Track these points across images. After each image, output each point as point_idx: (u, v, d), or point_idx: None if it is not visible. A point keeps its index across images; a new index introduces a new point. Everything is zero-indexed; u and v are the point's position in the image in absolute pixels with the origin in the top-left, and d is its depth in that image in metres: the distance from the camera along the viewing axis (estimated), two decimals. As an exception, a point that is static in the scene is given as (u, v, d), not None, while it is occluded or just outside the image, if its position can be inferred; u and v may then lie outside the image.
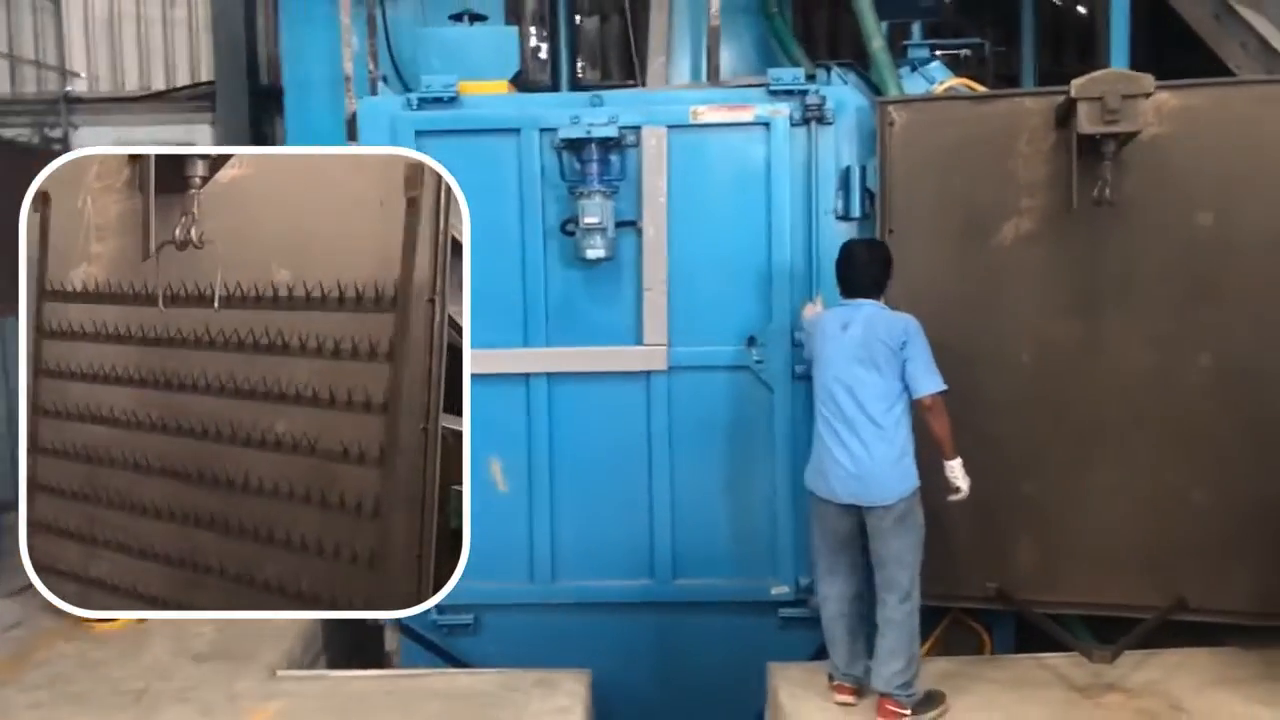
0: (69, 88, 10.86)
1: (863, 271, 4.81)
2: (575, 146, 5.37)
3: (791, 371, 5.64)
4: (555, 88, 8.99)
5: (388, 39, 6.95)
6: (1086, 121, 4.80)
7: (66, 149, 10.62)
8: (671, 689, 5.87)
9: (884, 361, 4.61)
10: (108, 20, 10.95)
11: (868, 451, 4.59)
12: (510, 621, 5.86)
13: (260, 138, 10.59)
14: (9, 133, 10.07)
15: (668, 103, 5.65)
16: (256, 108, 10.54)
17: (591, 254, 5.36)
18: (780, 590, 5.70)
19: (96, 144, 10.72)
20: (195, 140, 10.83)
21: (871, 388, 4.61)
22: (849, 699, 4.89)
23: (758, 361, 5.68)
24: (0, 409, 7.96)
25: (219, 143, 10.54)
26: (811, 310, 5.33)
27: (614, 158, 5.45)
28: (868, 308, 4.75)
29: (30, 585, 6.36)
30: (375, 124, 5.65)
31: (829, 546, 4.86)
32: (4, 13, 10.38)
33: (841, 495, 4.66)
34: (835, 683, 4.94)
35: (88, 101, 10.91)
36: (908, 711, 4.67)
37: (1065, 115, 5.00)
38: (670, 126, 5.54)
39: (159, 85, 10.99)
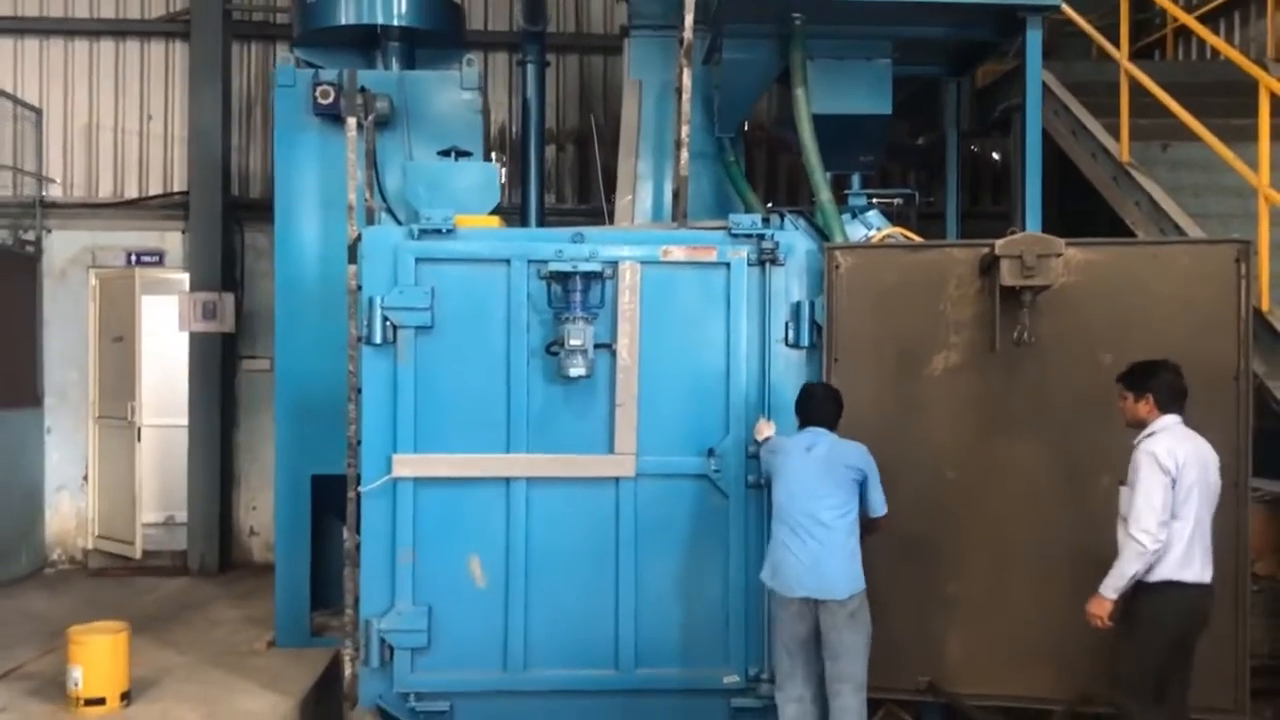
0: (44, 192, 11.30)
1: (820, 407, 5.67)
2: (562, 278, 6.04)
3: (745, 481, 6.27)
4: (522, 212, 9.68)
5: (377, 169, 7.62)
6: (1008, 275, 5.63)
7: (39, 251, 11.08)
8: (635, 771, 6.32)
9: (843, 480, 5.45)
10: (86, 129, 11.49)
11: (825, 550, 5.34)
12: (483, 708, 6.25)
13: (230, 248, 11.13)
14: (-17, 234, 10.48)
15: (641, 242, 6.32)
16: (227, 218, 11.11)
17: (574, 372, 6.00)
18: (732, 679, 6.21)
19: (69, 248, 11.23)
20: (165, 248, 11.35)
21: (830, 499, 5.40)
22: None
23: (715, 471, 6.27)
24: None
25: (190, 253, 11.07)
26: (766, 427, 6.03)
27: (594, 288, 6.12)
28: (828, 435, 5.59)
29: (15, 669, 6.74)
30: (378, 250, 6.20)
31: (788, 650, 5.51)
32: (-14, 121, 10.83)
33: (798, 590, 5.32)
34: None
35: (61, 206, 11.39)
36: None
37: (988, 267, 5.82)
38: (644, 263, 6.22)
39: (132, 193, 11.52)
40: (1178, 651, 5.14)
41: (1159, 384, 5.16)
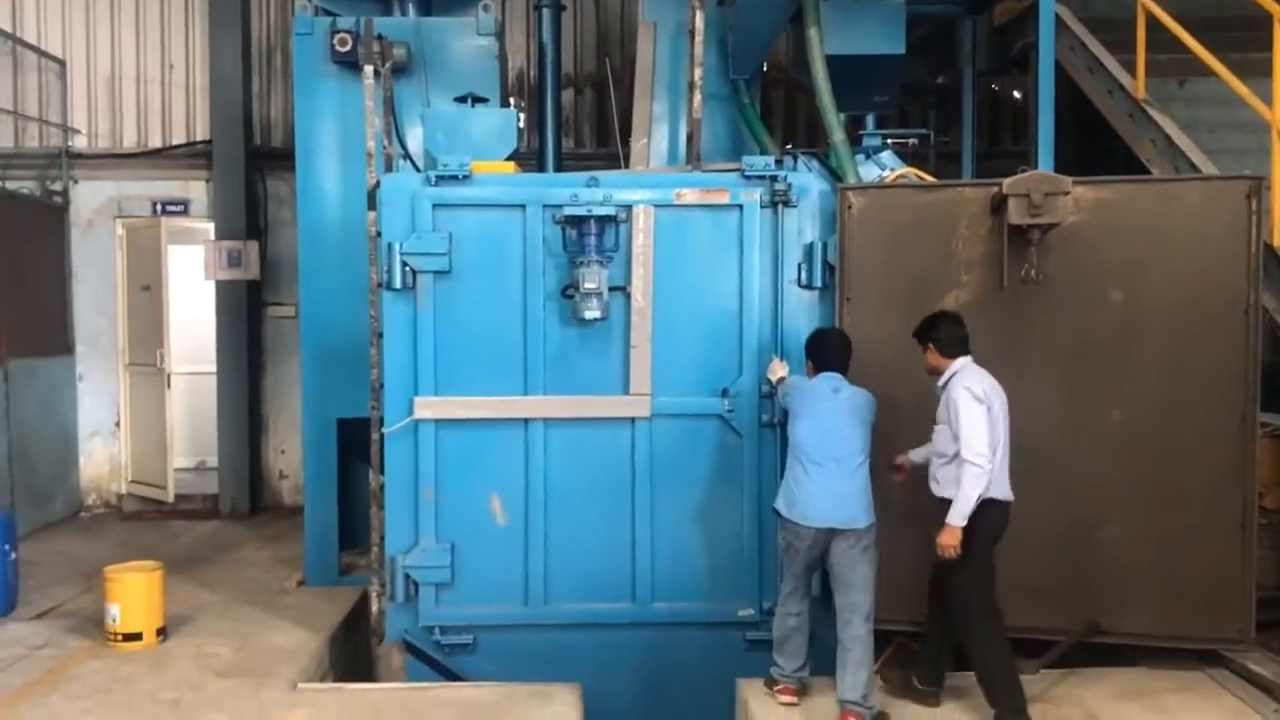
0: (70, 143, 11.44)
1: (838, 353, 5.79)
2: (576, 222, 6.14)
3: (759, 420, 6.40)
4: (539, 157, 9.73)
5: (396, 116, 7.68)
6: (1015, 214, 5.68)
7: (67, 202, 11.24)
8: (651, 700, 6.52)
9: (865, 423, 5.64)
10: (109, 80, 11.59)
11: (850, 485, 5.54)
12: (505, 641, 6.47)
13: (253, 196, 11.26)
14: (12, 185, 10.63)
15: (655, 185, 6.41)
16: (250, 167, 11.23)
17: (589, 315, 6.11)
18: (746, 613, 6.40)
19: (95, 198, 11.39)
20: (190, 197, 11.50)
21: (857, 441, 5.60)
22: (793, 699, 5.72)
23: (729, 410, 6.41)
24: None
25: (214, 201, 11.21)
26: (780, 367, 6.15)
27: (608, 231, 6.21)
28: (845, 381, 5.73)
29: (54, 607, 7.00)
30: (396, 197, 6.30)
31: (795, 572, 5.69)
32: (11, 72, 10.93)
33: (821, 521, 5.51)
34: (780, 685, 5.76)
35: (87, 157, 11.53)
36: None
37: (998, 206, 5.86)
38: (657, 206, 6.29)
39: (155, 143, 11.63)
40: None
41: (940, 334, 5.54)
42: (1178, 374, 5.96)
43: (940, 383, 5.53)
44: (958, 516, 5.24)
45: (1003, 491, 5.38)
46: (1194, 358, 5.93)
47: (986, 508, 5.29)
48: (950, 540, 5.26)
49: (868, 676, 5.48)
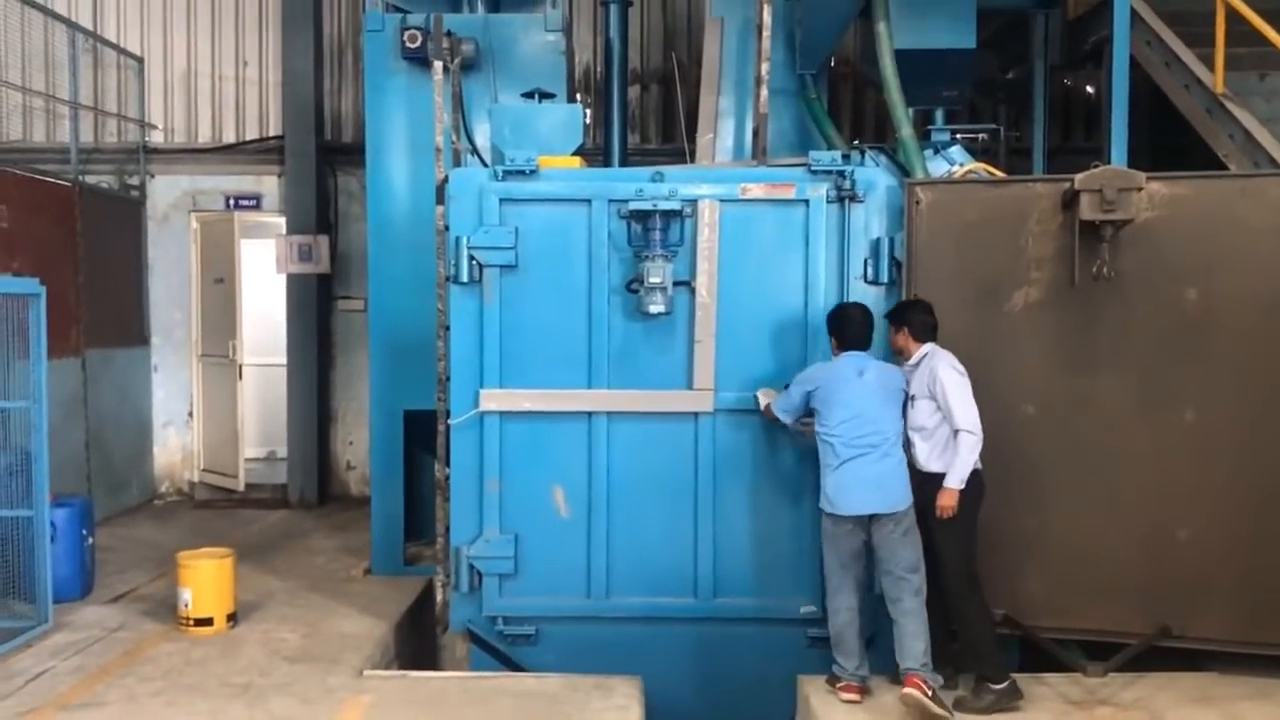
0: (147, 139, 11.71)
1: (861, 330, 5.85)
2: (641, 216, 6.14)
3: (823, 416, 6.35)
4: (605, 152, 9.76)
5: (464, 111, 7.76)
6: (1088, 210, 5.59)
7: (143, 196, 11.50)
8: (711, 695, 6.51)
9: (897, 400, 5.73)
10: (185, 76, 11.84)
11: (887, 467, 5.60)
12: (567, 632, 6.50)
13: (324, 191, 11.43)
14: (91, 179, 10.90)
15: (720, 180, 6.39)
16: (320, 162, 11.40)
17: (653, 309, 6.12)
18: (809, 609, 6.35)
19: (170, 192, 11.64)
20: (262, 191, 11.70)
21: (889, 421, 5.66)
22: (856, 697, 5.68)
23: (793, 406, 6.38)
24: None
25: (286, 196, 11.40)
26: (765, 395, 6.22)
27: (674, 226, 6.21)
28: (869, 358, 5.79)
29: (129, 591, 7.18)
30: (464, 191, 6.35)
31: (840, 563, 5.72)
32: (92, 70, 11.21)
33: (861, 509, 5.55)
34: (842, 683, 5.72)
35: (163, 152, 11.80)
36: (932, 690, 5.41)
37: (1070, 201, 5.77)
38: (722, 200, 6.28)
39: (230, 138, 11.86)
40: None
41: (914, 319, 5.82)
42: (1255, 373, 5.82)
43: (911, 363, 5.81)
44: (956, 480, 5.54)
45: (977, 462, 5.67)
46: (1273, 356, 5.79)
47: (969, 478, 5.60)
48: (950, 501, 5.54)
49: (925, 646, 5.51)
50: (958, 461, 5.54)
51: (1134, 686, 5.83)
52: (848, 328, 5.84)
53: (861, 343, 5.82)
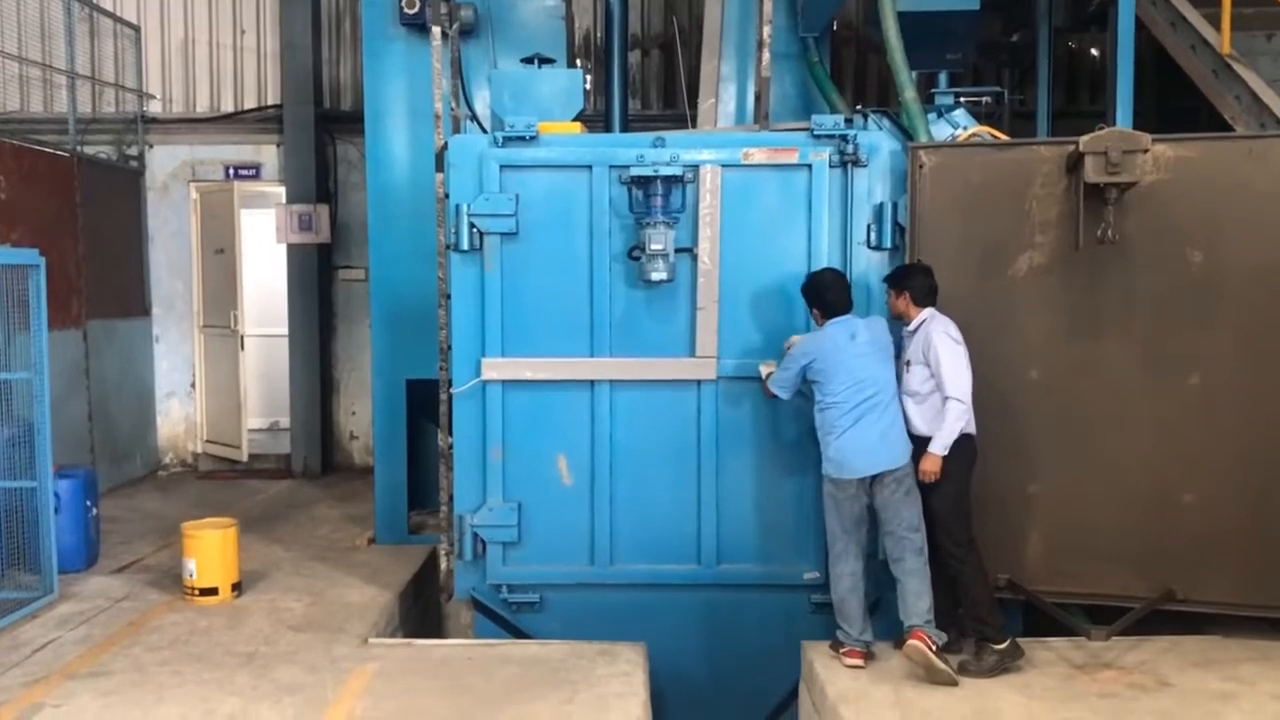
0: (145, 108, 11.64)
1: (843, 294, 5.83)
2: (642, 182, 6.09)
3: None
4: (606, 118, 9.69)
5: (463, 78, 7.69)
6: (1092, 172, 5.53)
7: (142, 166, 11.44)
8: (715, 661, 6.53)
9: (889, 356, 5.77)
10: (183, 45, 11.75)
11: (888, 423, 5.63)
12: (571, 600, 6.52)
13: (323, 160, 11.37)
14: (90, 149, 10.84)
15: (722, 145, 6.33)
16: (320, 131, 11.33)
17: (655, 276, 6.08)
18: (812, 575, 6.36)
19: (169, 162, 11.58)
20: (261, 161, 11.64)
21: (885, 378, 5.69)
22: (860, 662, 5.69)
23: (796, 372, 6.36)
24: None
25: (285, 165, 11.34)
26: (767, 366, 6.15)
27: (675, 192, 6.16)
28: (855, 319, 5.79)
29: (134, 561, 7.20)
30: (464, 158, 6.30)
31: (843, 528, 5.72)
32: (88, 39, 11.13)
33: (867, 469, 5.57)
34: (846, 649, 5.73)
35: (162, 121, 11.74)
36: (935, 644, 5.44)
37: (1074, 164, 5.72)
38: (724, 166, 6.23)
39: (228, 107, 11.79)
40: None
41: (915, 283, 5.79)
42: (1261, 336, 5.79)
43: (910, 328, 5.80)
44: (940, 447, 5.57)
45: (970, 427, 5.69)
46: (1278, 319, 5.75)
47: (961, 442, 5.62)
48: (933, 467, 5.58)
49: (928, 604, 5.53)
50: (944, 427, 5.56)
51: (1137, 650, 5.83)
52: (828, 294, 5.80)
53: (844, 307, 5.80)
